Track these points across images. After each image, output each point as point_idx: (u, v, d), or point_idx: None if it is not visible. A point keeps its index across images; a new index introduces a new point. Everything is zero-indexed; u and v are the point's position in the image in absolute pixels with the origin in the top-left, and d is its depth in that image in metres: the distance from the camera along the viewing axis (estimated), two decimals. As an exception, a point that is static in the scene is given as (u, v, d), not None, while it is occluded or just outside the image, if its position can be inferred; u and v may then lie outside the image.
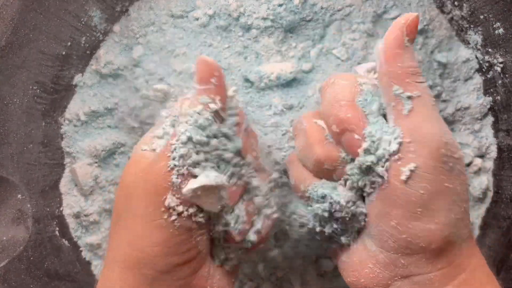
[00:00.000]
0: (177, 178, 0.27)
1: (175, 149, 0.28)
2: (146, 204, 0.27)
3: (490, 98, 0.45)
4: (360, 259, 0.30)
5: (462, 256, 0.28)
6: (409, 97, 0.27)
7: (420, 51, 0.43)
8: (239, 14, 0.41)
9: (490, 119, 0.45)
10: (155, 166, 0.28)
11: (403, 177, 0.26)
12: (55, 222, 0.44)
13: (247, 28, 0.41)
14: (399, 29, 0.27)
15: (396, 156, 0.27)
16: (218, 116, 0.29)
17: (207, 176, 0.27)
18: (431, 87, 0.43)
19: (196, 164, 0.28)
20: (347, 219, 0.29)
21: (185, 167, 0.27)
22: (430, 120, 0.27)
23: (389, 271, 0.28)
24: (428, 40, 0.43)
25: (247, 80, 0.41)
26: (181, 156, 0.27)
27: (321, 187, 0.30)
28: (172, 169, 0.27)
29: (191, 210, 0.28)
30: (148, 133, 0.32)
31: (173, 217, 0.27)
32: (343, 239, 0.31)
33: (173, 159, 0.27)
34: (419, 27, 0.42)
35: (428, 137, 0.26)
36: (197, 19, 0.42)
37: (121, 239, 0.28)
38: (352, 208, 0.29)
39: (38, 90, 0.42)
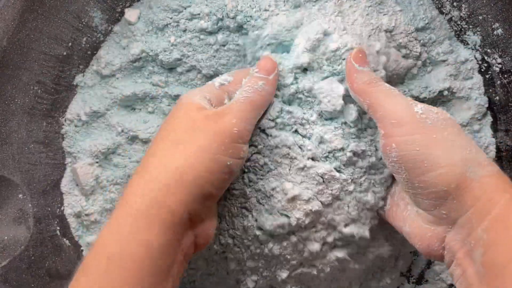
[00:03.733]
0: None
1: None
2: (210, 140, 0.32)
3: (489, 98, 0.45)
4: (418, 225, 0.34)
5: (489, 190, 0.30)
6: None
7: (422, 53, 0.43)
8: (235, 13, 0.41)
9: (489, 119, 0.45)
10: (224, 118, 0.33)
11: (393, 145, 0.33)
12: (56, 222, 0.44)
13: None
14: (348, 61, 0.36)
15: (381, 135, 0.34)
16: None
17: None
18: (428, 88, 0.44)
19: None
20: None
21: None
22: (390, 97, 0.34)
23: (440, 225, 0.33)
24: (428, 38, 0.44)
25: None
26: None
27: None
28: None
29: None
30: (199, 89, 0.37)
31: (231, 159, 0.33)
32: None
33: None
34: (421, 25, 0.43)
35: (393, 110, 0.33)
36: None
37: (175, 159, 0.32)
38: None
39: (39, 90, 0.42)
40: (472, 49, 0.45)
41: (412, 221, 0.35)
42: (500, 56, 0.43)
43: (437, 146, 0.32)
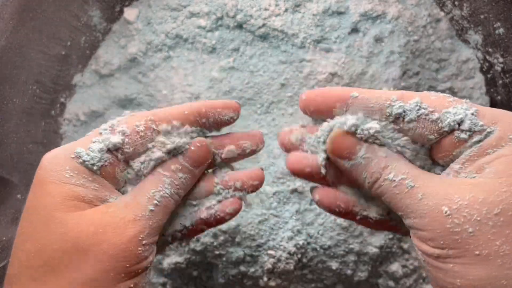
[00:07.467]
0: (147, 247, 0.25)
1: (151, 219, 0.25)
2: (105, 268, 0.23)
3: (490, 98, 0.45)
4: None
5: None
6: None
7: (423, 54, 0.43)
8: (235, 12, 0.41)
9: (490, 119, 0.45)
10: (127, 231, 0.24)
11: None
12: (54, 222, 0.44)
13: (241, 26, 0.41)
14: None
15: None
16: None
17: None
18: (430, 88, 0.43)
19: None
20: None
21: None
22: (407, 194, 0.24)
23: None
24: (429, 39, 0.43)
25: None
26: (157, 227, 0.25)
27: None
28: (143, 239, 0.24)
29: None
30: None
31: (132, 282, 0.24)
32: None
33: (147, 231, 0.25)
34: (422, 23, 0.43)
35: (419, 213, 0.24)
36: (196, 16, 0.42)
37: None
38: None
39: (38, 90, 0.42)
40: (474, 49, 0.44)
41: None
42: (502, 56, 0.43)
43: (480, 267, 0.22)
